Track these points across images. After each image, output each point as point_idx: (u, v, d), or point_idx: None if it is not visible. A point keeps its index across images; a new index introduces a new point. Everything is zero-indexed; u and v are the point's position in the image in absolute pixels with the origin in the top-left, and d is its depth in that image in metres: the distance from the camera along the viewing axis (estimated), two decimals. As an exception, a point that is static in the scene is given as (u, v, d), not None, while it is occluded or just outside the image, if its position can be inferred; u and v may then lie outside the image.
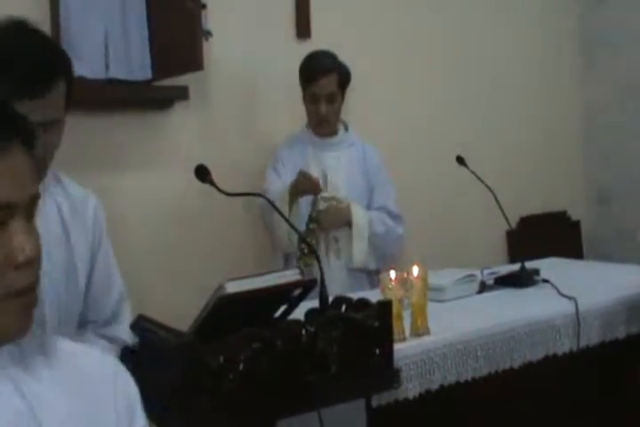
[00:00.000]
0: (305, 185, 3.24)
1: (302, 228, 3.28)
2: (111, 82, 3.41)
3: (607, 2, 5.02)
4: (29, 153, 0.95)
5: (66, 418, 0.98)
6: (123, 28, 3.47)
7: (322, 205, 3.33)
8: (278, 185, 3.34)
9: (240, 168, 3.65)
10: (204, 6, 3.35)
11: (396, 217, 3.46)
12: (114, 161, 3.46)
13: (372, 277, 3.38)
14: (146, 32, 3.50)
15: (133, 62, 3.47)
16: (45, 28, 3.17)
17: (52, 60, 1.63)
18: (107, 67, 3.41)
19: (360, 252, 3.36)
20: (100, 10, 3.40)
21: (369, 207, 3.44)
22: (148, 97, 3.55)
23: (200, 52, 3.28)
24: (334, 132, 3.49)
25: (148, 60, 3.50)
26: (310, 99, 3.37)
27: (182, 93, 3.53)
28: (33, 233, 0.94)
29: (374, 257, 3.42)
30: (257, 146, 3.79)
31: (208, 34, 3.45)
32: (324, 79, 3.32)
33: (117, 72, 3.43)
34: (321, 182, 3.33)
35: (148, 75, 3.49)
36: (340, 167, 3.45)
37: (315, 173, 3.35)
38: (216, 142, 3.71)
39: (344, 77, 3.41)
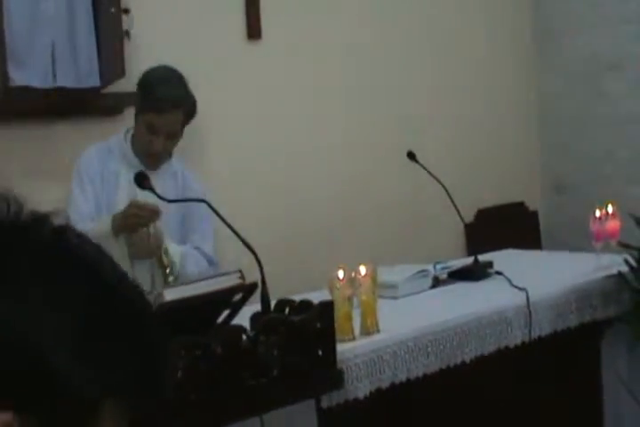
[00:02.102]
0: (139, 218, 2.64)
1: None
2: (59, 90, 3.40)
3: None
4: None
5: None
6: (70, 36, 3.44)
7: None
8: (90, 209, 2.85)
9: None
10: (125, 11, 3.34)
11: (211, 262, 2.93)
12: (65, 170, 3.44)
13: None
14: (93, 39, 3.48)
15: (81, 70, 3.45)
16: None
17: None
18: (54, 75, 3.39)
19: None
20: (46, 18, 3.38)
21: (184, 243, 2.91)
22: (97, 104, 3.54)
23: (121, 59, 3.28)
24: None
25: (96, 68, 3.48)
26: (148, 127, 2.81)
27: (132, 100, 3.51)
28: None
29: None
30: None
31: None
32: (170, 114, 2.80)
33: (65, 80, 3.41)
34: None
35: (97, 82, 3.48)
36: (153, 199, 2.75)
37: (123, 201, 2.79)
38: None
39: (191, 113, 2.92)
